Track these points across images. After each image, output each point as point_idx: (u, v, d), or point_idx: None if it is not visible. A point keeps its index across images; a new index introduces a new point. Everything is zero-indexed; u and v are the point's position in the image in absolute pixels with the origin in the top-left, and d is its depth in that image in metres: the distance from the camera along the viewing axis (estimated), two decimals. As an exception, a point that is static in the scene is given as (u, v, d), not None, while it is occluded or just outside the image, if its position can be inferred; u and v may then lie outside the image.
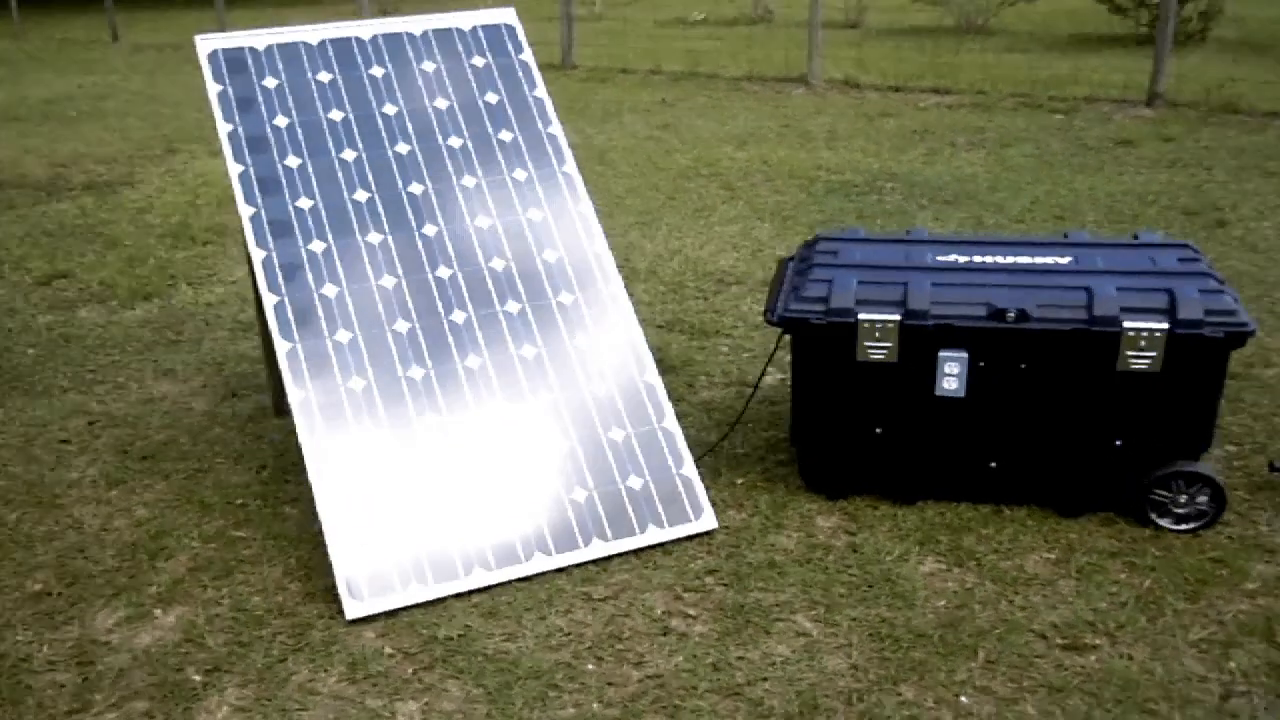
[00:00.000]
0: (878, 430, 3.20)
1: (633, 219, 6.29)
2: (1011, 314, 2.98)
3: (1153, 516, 3.11)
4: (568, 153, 3.59)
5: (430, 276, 3.30)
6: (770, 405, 3.96)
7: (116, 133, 9.16)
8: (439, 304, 3.27)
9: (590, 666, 2.63)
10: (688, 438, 3.70)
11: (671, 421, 3.28)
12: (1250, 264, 5.23)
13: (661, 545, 3.10)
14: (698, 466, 3.50)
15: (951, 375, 3.05)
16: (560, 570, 3.01)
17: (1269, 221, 5.88)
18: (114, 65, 13.24)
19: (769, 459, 3.58)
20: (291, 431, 3.88)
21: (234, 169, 3.32)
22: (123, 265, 5.75)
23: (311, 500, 3.40)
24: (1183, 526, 3.10)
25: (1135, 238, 3.33)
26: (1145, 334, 2.92)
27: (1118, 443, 3.08)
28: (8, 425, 4.00)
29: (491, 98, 3.61)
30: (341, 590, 2.84)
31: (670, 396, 3.99)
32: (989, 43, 12.91)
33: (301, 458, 3.68)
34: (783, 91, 10.21)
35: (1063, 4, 16.17)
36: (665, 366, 4.27)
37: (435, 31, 3.68)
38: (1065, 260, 3.18)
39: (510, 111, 3.61)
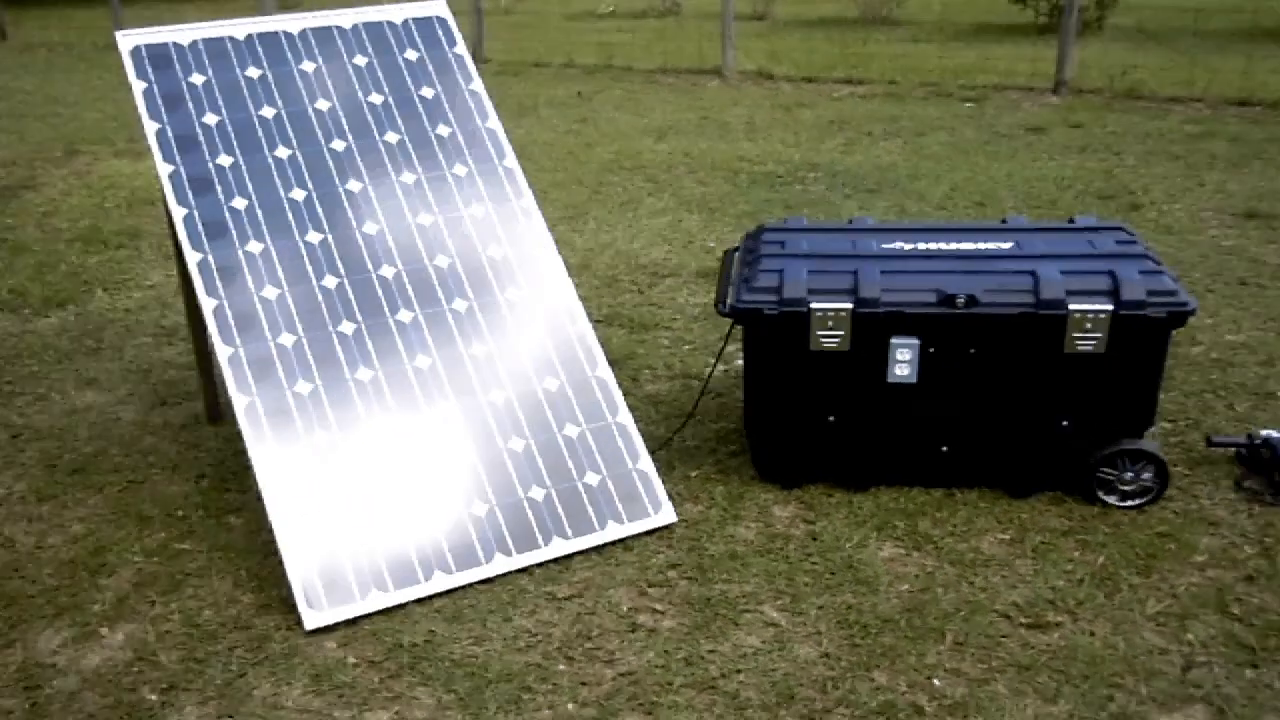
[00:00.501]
0: (830, 418, 3.21)
1: (559, 213, 6.24)
2: (961, 299, 3.02)
3: (1100, 494, 3.18)
4: (508, 147, 3.54)
5: (374, 276, 3.23)
6: (716, 397, 3.96)
7: (13, 135, 8.81)
8: (384, 304, 3.20)
9: (561, 667, 2.60)
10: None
11: (625, 416, 3.26)
12: (1166, 245, 5.38)
13: (622, 541, 3.08)
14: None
15: (903, 362, 3.08)
16: (522, 570, 2.97)
17: (1179, 204, 6.06)
18: (3, 64, 12.74)
19: (720, 450, 3.58)
20: (228, 439, 3.77)
21: (164, 169, 3.21)
22: (32, 271, 5.53)
23: (256, 509, 3.31)
24: (1129, 503, 3.17)
25: (1071, 221, 3.40)
26: (1091, 316, 2.98)
27: (1064, 423, 3.14)
28: (-77, 442, 3.82)
29: (427, 92, 3.54)
30: (299, 600, 2.77)
31: (615, 391, 3.96)
32: (895, 33, 13.10)
33: (241, 466, 3.58)
34: (698, 84, 10.23)
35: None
36: (607, 361, 4.24)
37: (365, 25, 3.60)
38: (1007, 245, 3.22)
39: (447, 106, 3.54)
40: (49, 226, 6.31)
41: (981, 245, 3.22)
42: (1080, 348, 3.03)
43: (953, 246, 3.22)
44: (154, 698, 2.55)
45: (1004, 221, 3.43)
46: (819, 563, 2.96)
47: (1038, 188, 6.44)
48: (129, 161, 7.79)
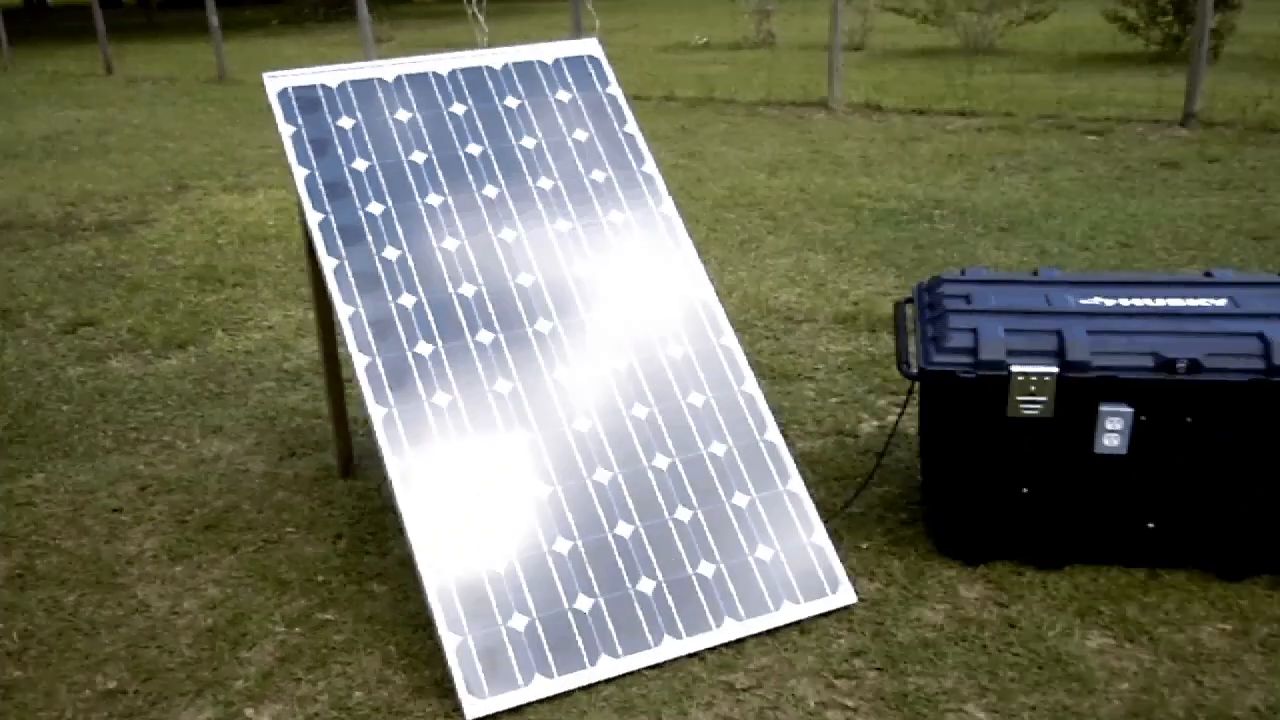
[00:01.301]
0: (1024, 490, 2.94)
1: (680, 253, 6.02)
2: (1182, 364, 2.73)
3: (1328, 580, 2.87)
4: (665, 193, 3.33)
5: (529, 331, 3.03)
6: (876, 457, 3.69)
7: (123, 169, 8.86)
8: (540, 360, 3.00)
9: (752, 772, 2.36)
10: (796, 496, 3.44)
11: (797, 483, 3.01)
12: (1338, 292, 5.00)
13: (798, 623, 2.83)
14: (815, 529, 3.24)
15: (1114, 431, 2.80)
16: (692, 655, 2.73)
17: (1343, 246, 5.67)
18: (110, 98, 12.93)
19: (889, 519, 3.31)
20: (362, 495, 3.59)
21: (313, 218, 3.05)
22: (151, 311, 5.45)
23: (398, 575, 3.12)
24: (1363, 590, 2.85)
25: (1284, 275, 3.10)
26: (1330, 384, 2.68)
27: (1289, 500, 2.84)
28: (52, 492, 3.70)
29: (580, 135, 3.35)
30: (459, 687, 2.56)
31: (767, 449, 3.72)
32: (1000, 63, 12.76)
33: (378, 526, 3.39)
34: (804, 116, 10.00)
35: (1062, 24, 16.07)
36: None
37: (516, 65, 3.43)
38: (1221, 302, 2.94)
39: (601, 149, 3.35)
40: (164, 264, 6.26)
41: (1192, 301, 2.94)
42: (1314, 419, 2.72)
43: (1160, 303, 2.94)
44: (311, 794, 2.35)
45: (1208, 275, 3.14)
46: (1021, 654, 2.68)
47: (1184, 227, 6.09)
48: (238, 197, 7.76)
